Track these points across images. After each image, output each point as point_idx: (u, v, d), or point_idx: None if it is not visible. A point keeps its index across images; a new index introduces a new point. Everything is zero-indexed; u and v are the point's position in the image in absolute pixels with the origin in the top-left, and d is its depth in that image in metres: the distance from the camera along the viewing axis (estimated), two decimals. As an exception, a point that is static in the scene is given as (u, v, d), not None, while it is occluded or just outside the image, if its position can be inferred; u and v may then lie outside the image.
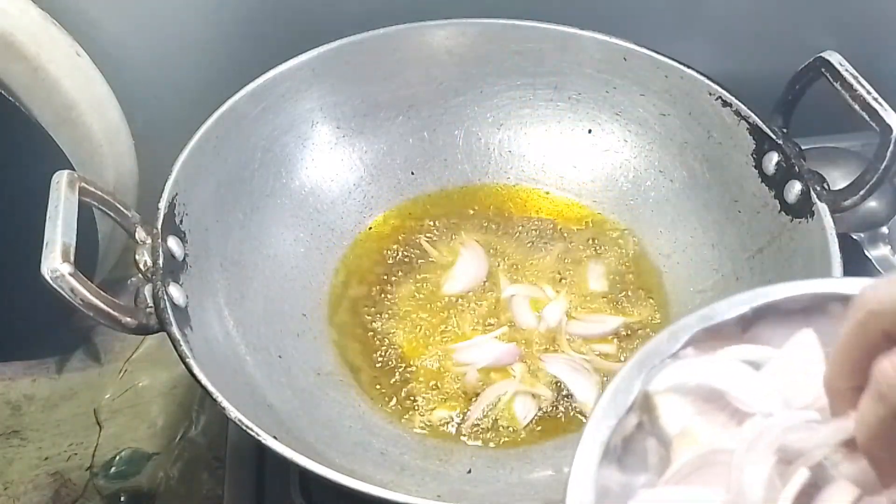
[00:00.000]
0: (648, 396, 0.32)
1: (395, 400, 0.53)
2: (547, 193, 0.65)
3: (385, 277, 0.60)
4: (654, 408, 0.31)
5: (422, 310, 0.58)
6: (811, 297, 0.33)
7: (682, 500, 0.30)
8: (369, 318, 0.58)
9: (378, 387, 0.54)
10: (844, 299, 0.32)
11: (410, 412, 0.53)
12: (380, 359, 0.56)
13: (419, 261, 0.61)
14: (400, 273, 0.60)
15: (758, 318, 0.33)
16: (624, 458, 0.31)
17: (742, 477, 0.29)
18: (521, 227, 0.63)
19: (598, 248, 0.62)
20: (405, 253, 0.61)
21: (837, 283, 0.34)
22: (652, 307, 0.58)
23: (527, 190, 0.66)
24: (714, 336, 0.32)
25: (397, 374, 0.55)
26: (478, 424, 0.52)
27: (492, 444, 0.52)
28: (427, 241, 0.62)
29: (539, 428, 0.52)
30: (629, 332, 0.57)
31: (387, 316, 0.58)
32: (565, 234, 0.63)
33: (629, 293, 0.59)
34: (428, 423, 0.52)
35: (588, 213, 0.64)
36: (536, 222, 0.63)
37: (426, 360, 0.55)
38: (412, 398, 0.54)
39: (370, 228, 0.63)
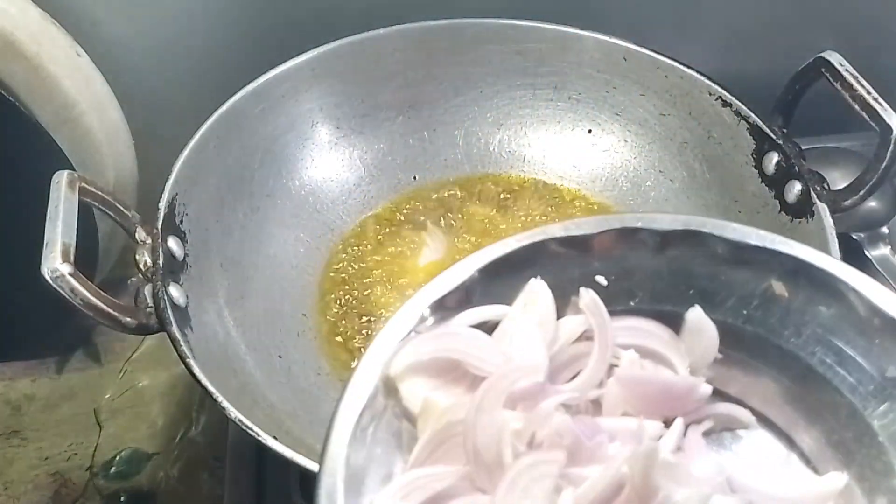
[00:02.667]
0: (389, 379, 0.32)
1: (395, 400, 0.54)
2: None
3: (385, 277, 0.60)
4: (395, 390, 0.32)
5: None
6: (533, 246, 0.34)
7: (429, 481, 0.30)
8: (369, 318, 0.58)
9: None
10: (559, 241, 0.33)
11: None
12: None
13: (419, 261, 0.61)
14: (401, 273, 0.60)
15: (489, 277, 0.33)
16: (377, 446, 0.31)
17: (476, 441, 0.29)
18: (520, 227, 0.63)
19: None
20: (405, 252, 0.61)
21: (549, 230, 0.34)
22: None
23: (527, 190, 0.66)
24: (446, 305, 0.33)
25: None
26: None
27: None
28: (428, 241, 0.62)
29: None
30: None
31: (388, 315, 0.58)
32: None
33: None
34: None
35: (588, 212, 0.64)
36: (537, 222, 0.63)
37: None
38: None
39: (370, 228, 0.63)
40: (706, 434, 0.33)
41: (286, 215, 0.60)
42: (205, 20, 0.63)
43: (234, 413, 0.42)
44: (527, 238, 0.34)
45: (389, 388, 0.32)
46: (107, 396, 0.64)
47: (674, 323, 0.34)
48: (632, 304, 0.34)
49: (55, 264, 0.41)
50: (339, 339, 0.57)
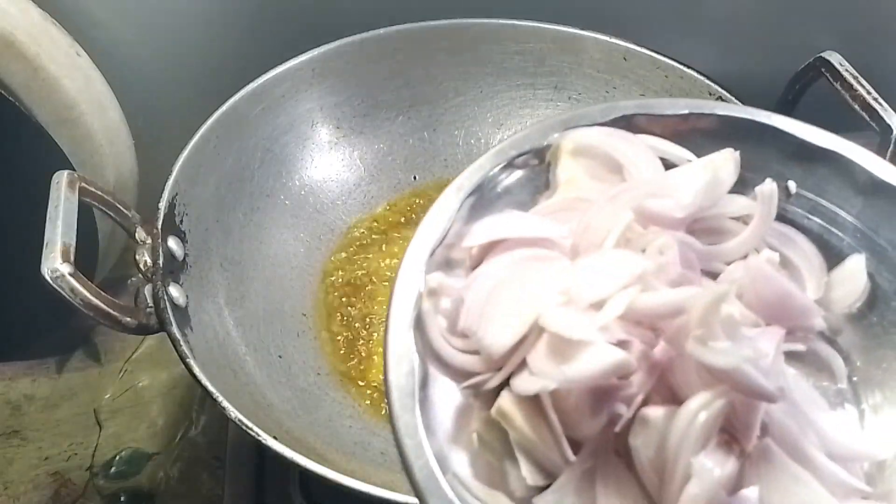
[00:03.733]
0: (558, 147, 0.34)
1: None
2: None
3: (385, 277, 0.60)
4: (557, 158, 0.34)
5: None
6: (751, 124, 0.35)
7: (534, 225, 0.32)
8: (369, 317, 0.58)
9: (378, 386, 0.54)
10: (781, 134, 0.35)
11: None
12: (378, 358, 0.56)
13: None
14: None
15: (691, 126, 0.35)
16: (513, 190, 0.34)
17: (591, 219, 0.31)
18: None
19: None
20: (405, 252, 0.61)
21: (782, 121, 0.36)
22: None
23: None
24: (646, 124, 0.35)
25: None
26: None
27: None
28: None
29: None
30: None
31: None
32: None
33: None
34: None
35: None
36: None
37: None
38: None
39: (370, 228, 0.63)
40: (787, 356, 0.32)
41: (286, 215, 0.60)
42: (205, 20, 0.63)
43: (234, 413, 0.42)
44: (745, 112, 0.36)
45: (554, 154, 0.34)
46: (107, 396, 0.64)
47: (835, 259, 0.34)
48: (805, 221, 0.35)
49: (55, 264, 0.41)
50: (339, 339, 0.57)
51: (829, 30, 0.69)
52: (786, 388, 0.29)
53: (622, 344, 0.28)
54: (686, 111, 0.35)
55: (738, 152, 0.34)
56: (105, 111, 0.60)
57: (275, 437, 0.41)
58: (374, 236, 0.63)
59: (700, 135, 0.35)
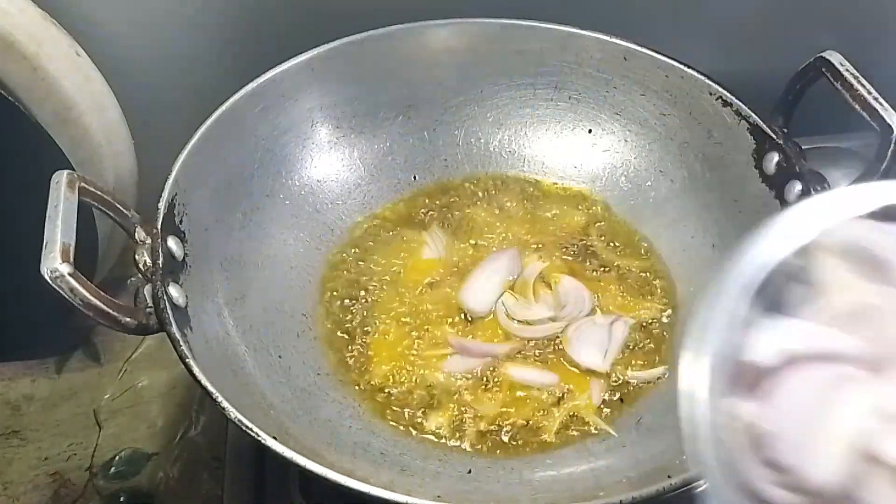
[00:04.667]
0: (810, 248, 0.30)
1: (394, 399, 0.53)
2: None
3: (385, 277, 0.60)
4: (813, 259, 0.30)
5: (421, 310, 0.58)
6: None
7: (831, 338, 0.28)
8: (369, 317, 0.58)
9: (378, 386, 0.54)
10: None
11: (409, 412, 0.53)
12: (378, 358, 0.56)
13: (419, 261, 0.61)
14: (400, 273, 0.60)
15: None
16: (768, 297, 0.29)
17: (889, 325, 0.28)
18: (521, 227, 0.63)
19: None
20: (405, 252, 0.61)
21: None
22: (653, 307, 0.58)
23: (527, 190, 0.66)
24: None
25: (395, 373, 0.55)
26: (477, 430, 0.52)
27: (490, 448, 0.52)
28: (428, 240, 0.62)
29: (538, 428, 0.52)
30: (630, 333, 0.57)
31: (386, 316, 0.58)
32: (565, 234, 0.63)
33: (629, 293, 0.59)
34: (427, 424, 0.52)
35: (587, 212, 0.64)
36: (538, 222, 0.63)
37: (422, 361, 0.55)
38: (410, 397, 0.53)
39: (371, 228, 0.63)
40: None
41: (286, 215, 0.60)
42: (205, 20, 0.63)
43: (233, 413, 0.42)
44: None
45: (807, 254, 0.30)
46: (106, 396, 0.64)
47: None
48: None
49: (55, 264, 0.41)
50: (339, 339, 0.57)
51: (829, 30, 0.69)
52: None
53: None
54: None
55: None
56: (105, 111, 0.60)
57: (275, 438, 0.41)
58: (374, 236, 0.62)
59: None
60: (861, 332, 0.29)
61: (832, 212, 0.30)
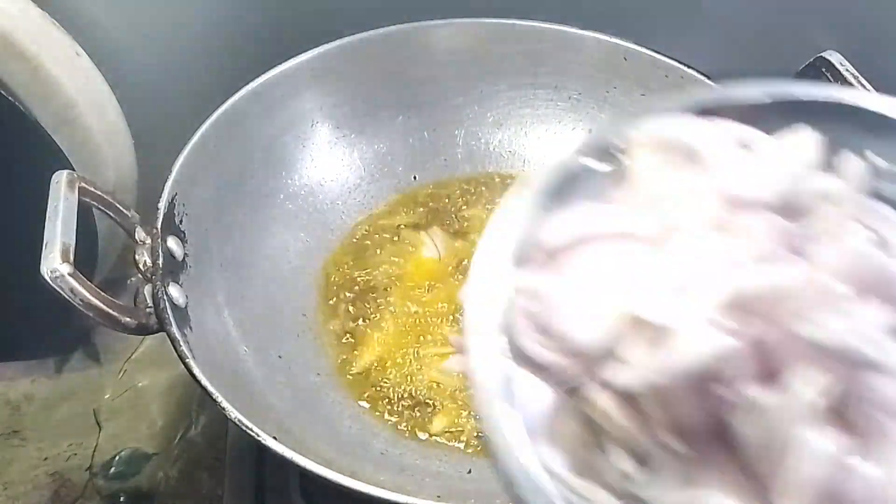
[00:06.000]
0: (632, 140, 0.33)
1: (394, 399, 0.54)
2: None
3: (385, 277, 0.60)
4: (631, 152, 0.33)
5: (420, 310, 0.58)
6: (829, 104, 0.33)
7: (617, 219, 0.31)
8: (369, 317, 0.58)
9: (378, 386, 0.54)
10: (861, 110, 0.33)
11: (409, 411, 0.53)
12: (378, 358, 0.56)
13: (419, 261, 0.61)
14: (401, 273, 0.60)
15: (768, 109, 0.33)
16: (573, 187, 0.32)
17: (676, 207, 0.30)
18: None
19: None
20: (405, 252, 0.61)
21: (861, 96, 0.34)
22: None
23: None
24: (721, 111, 0.33)
25: (395, 373, 0.55)
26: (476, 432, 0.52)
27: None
28: (428, 240, 0.62)
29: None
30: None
31: (386, 316, 0.58)
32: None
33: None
34: (427, 424, 0.52)
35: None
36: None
37: (423, 361, 0.55)
38: (410, 398, 0.53)
39: (371, 228, 0.63)
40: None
41: (286, 215, 0.60)
42: (205, 20, 0.63)
43: (233, 413, 0.42)
44: (824, 91, 0.34)
45: (626, 149, 0.33)
46: (106, 396, 0.64)
47: None
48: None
49: (55, 264, 0.41)
50: (339, 339, 0.57)
51: (829, 30, 0.69)
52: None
53: (725, 330, 0.27)
54: (762, 96, 0.34)
55: (818, 133, 0.33)
56: (105, 111, 0.60)
57: (275, 438, 0.41)
58: (374, 236, 0.62)
59: (778, 117, 0.34)
60: (653, 214, 0.31)
61: (648, 111, 0.33)
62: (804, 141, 0.33)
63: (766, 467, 0.27)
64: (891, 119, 0.34)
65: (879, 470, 0.26)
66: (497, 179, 0.66)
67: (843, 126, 0.34)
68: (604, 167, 0.33)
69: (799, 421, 0.26)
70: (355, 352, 0.56)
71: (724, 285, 0.27)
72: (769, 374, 0.27)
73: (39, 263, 0.42)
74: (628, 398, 0.28)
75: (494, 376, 0.28)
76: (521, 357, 0.29)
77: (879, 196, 0.34)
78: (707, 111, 0.34)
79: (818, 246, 0.31)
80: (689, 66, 0.60)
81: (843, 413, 0.27)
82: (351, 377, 0.55)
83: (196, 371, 0.43)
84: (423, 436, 0.52)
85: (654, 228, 0.31)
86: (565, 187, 0.32)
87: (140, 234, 0.49)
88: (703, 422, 0.28)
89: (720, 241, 0.29)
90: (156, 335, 0.46)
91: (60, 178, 0.46)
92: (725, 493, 0.27)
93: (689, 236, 0.30)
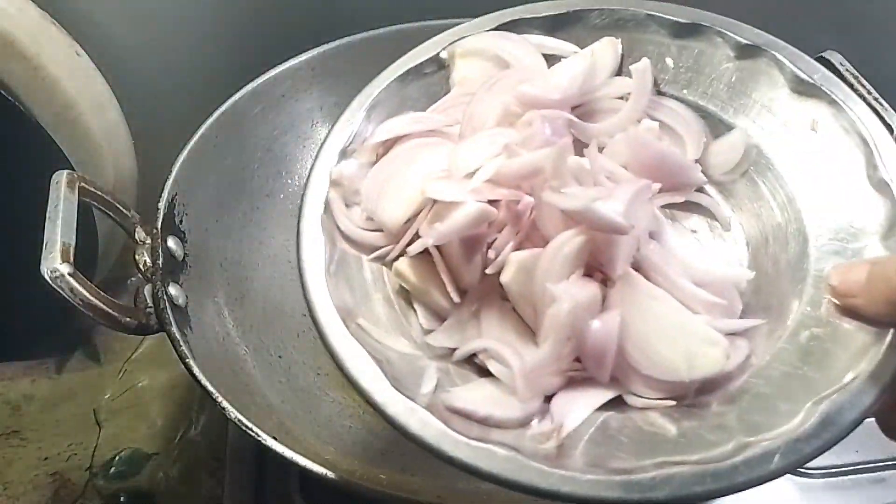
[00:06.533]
0: (452, 53, 0.41)
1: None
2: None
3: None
4: (453, 64, 0.41)
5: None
6: (628, 13, 0.40)
7: (425, 120, 0.39)
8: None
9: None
10: (657, 18, 0.40)
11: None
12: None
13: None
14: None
15: (575, 22, 0.41)
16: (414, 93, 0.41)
17: (474, 106, 0.37)
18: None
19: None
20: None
21: (655, 6, 0.41)
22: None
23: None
24: (533, 26, 0.41)
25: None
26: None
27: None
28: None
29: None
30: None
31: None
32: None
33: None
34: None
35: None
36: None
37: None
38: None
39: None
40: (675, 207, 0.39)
41: (286, 215, 0.60)
42: (205, 20, 0.63)
43: (234, 413, 0.42)
44: (621, 3, 0.41)
45: (447, 61, 0.41)
46: (106, 396, 0.64)
47: (717, 128, 0.40)
48: (685, 91, 0.41)
49: (55, 264, 0.41)
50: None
51: (829, 30, 0.69)
52: (658, 231, 0.35)
53: (490, 202, 0.33)
54: (566, 10, 0.41)
55: (618, 40, 0.40)
56: (105, 111, 0.60)
57: (275, 438, 0.41)
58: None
59: (583, 29, 0.41)
60: (455, 112, 0.39)
61: (467, 28, 0.42)
62: (603, 48, 0.40)
63: (531, 313, 0.34)
64: (681, 24, 0.40)
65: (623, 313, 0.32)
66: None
67: (645, 35, 0.41)
68: (428, 78, 0.41)
69: (552, 273, 0.32)
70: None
71: (492, 168, 0.34)
72: (541, 241, 0.33)
73: (39, 263, 0.42)
74: (423, 263, 0.35)
75: (318, 252, 0.35)
76: (343, 236, 0.37)
77: (670, 95, 0.40)
78: (522, 26, 0.41)
79: (596, 130, 0.38)
80: (689, 66, 0.59)
81: (599, 269, 0.33)
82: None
83: (196, 371, 0.43)
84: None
85: (453, 122, 0.38)
86: (395, 99, 0.40)
87: (140, 234, 0.49)
88: (483, 281, 0.35)
89: (501, 132, 0.36)
90: (156, 335, 0.46)
91: (60, 178, 0.46)
92: (501, 337, 0.34)
93: (481, 131, 0.36)
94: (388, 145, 0.38)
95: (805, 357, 0.32)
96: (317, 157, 0.37)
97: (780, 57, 0.39)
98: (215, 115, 0.55)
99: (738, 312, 0.35)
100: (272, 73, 0.58)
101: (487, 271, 0.34)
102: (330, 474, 0.40)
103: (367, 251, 0.37)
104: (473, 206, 0.32)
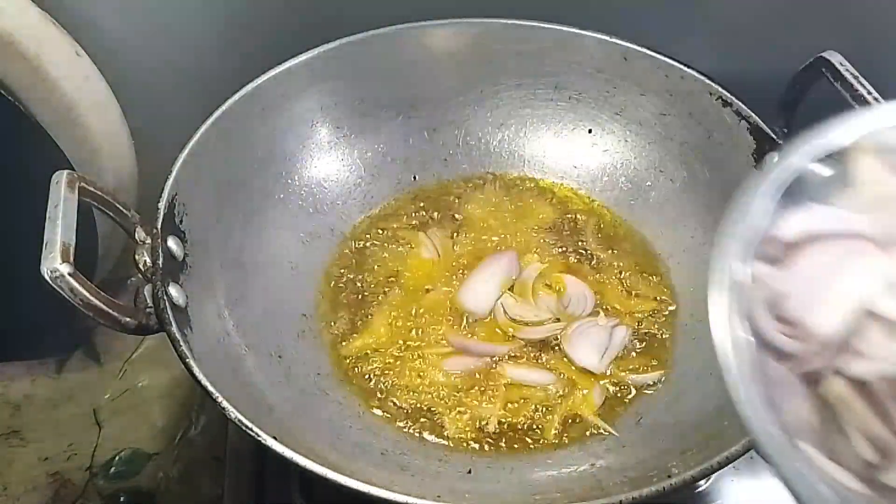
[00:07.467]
0: (858, 147, 0.35)
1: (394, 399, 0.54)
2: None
3: (385, 276, 0.60)
4: (857, 158, 0.35)
5: (421, 310, 0.58)
6: None
7: (848, 221, 0.33)
8: (369, 317, 0.58)
9: (377, 387, 0.54)
10: None
11: (408, 411, 0.53)
12: (377, 358, 0.56)
13: (419, 261, 0.61)
14: (400, 273, 0.60)
15: None
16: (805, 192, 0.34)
17: None
18: (521, 227, 0.63)
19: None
20: (405, 252, 0.61)
21: None
22: (652, 307, 0.58)
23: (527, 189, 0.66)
24: None
25: (394, 373, 0.55)
26: (478, 428, 0.52)
27: (490, 448, 0.52)
28: (427, 240, 0.62)
29: (538, 428, 0.52)
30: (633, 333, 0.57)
31: (385, 316, 0.58)
32: (565, 234, 0.63)
33: (630, 294, 0.59)
34: (427, 424, 0.52)
35: (588, 212, 0.64)
36: (537, 221, 0.63)
37: (422, 361, 0.55)
38: (410, 397, 0.53)
39: (371, 228, 0.63)
40: None
41: (286, 215, 0.60)
42: (205, 20, 0.63)
43: (234, 413, 0.42)
44: None
45: (842, 156, 0.35)
46: (106, 396, 0.64)
47: None
48: None
49: (55, 264, 0.41)
50: (339, 338, 0.57)
51: (829, 30, 0.69)
52: None
53: None
54: None
55: None
56: (105, 111, 0.60)
57: (275, 438, 0.41)
58: (373, 236, 0.62)
59: None
60: (880, 217, 0.33)
61: (871, 121, 0.35)
62: None
63: None
64: None
65: None
66: (497, 179, 0.66)
67: None
68: (826, 171, 0.34)
69: None
70: (355, 351, 0.56)
71: None
72: None
73: (39, 263, 0.42)
74: (865, 387, 0.30)
75: (745, 359, 0.30)
76: (761, 341, 0.31)
77: None
78: None
79: None
80: (689, 66, 0.60)
81: None
82: (351, 377, 0.55)
83: (196, 371, 0.43)
84: (422, 436, 0.52)
85: (882, 230, 0.33)
86: (789, 188, 0.33)
87: (140, 234, 0.49)
88: None
89: None
90: (156, 335, 0.46)
91: (60, 178, 0.46)
92: None
93: None
94: (799, 243, 0.33)
95: None
96: (721, 246, 0.32)
97: None
98: (215, 115, 0.55)
99: None
100: (272, 73, 0.58)
101: None
102: (330, 474, 0.40)
103: (788, 360, 0.32)
104: None
